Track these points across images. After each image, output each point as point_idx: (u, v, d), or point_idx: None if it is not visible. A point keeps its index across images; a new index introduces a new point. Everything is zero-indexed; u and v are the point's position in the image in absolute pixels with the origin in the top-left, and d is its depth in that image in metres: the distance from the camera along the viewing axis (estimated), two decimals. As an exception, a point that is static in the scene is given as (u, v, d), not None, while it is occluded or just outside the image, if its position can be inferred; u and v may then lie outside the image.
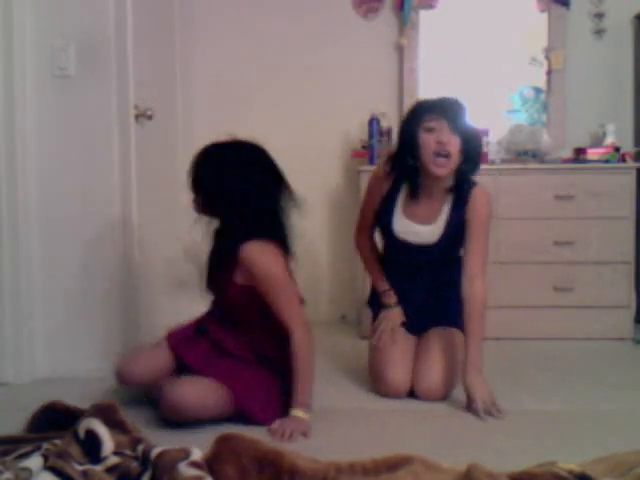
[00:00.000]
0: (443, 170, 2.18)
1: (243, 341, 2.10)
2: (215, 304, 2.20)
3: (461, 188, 2.25)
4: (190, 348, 2.13)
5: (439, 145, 2.14)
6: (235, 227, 2.00)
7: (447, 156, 2.15)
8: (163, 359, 2.12)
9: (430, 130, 2.16)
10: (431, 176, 2.21)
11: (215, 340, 2.13)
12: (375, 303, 2.54)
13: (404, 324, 2.44)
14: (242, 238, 1.97)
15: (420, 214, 2.30)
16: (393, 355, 2.33)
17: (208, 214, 2.05)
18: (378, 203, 2.35)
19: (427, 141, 2.16)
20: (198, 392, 1.98)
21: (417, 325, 2.44)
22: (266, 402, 2.04)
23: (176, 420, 1.98)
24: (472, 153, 2.21)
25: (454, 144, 2.15)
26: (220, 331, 2.13)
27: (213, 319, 2.18)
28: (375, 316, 2.52)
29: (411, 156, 2.21)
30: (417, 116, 2.21)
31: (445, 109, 2.17)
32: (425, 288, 2.41)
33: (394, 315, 2.42)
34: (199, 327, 2.19)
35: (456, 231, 2.28)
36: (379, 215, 2.36)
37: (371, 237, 2.51)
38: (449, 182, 2.25)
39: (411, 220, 2.31)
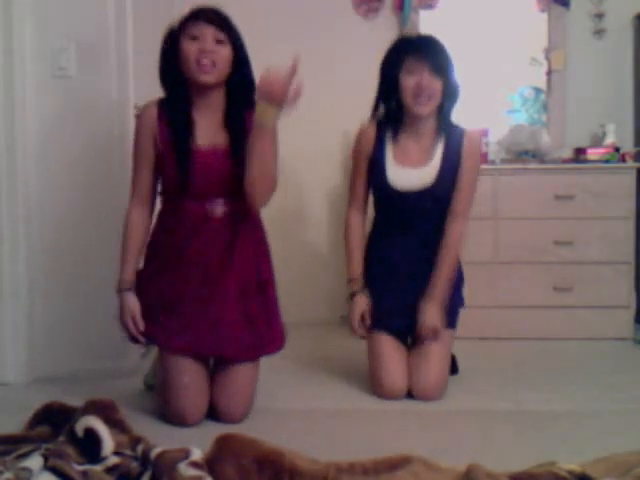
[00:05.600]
0: (425, 108, 2.24)
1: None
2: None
3: (448, 127, 2.31)
4: (180, 331, 2.04)
5: (420, 88, 2.20)
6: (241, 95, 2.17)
7: (429, 97, 2.22)
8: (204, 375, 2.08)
9: (411, 72, 2.22)
10: (414, 115, 2.27)
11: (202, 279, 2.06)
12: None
13: (392, 323, 2.39)
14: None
15: (412, 157, 2.32)
16: (387, 360, 2.35)
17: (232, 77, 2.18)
18: (366, 166, 2.38)
19: (408, 83, 2.22)
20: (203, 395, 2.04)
21: (406, 317, 2.36)
22: (248, 342, 2.09)
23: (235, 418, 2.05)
24: (452, 89, 2.27)
25: (435, 86, 2.21)
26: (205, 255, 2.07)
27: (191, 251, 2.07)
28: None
29: (393, 97, 2.28)
30: (398, 58, 2.26)
31: (427, 51, 2.22)
32: (416, 258, 2.35)
33: (360, 301, 2.38)
34: (155, 302, 2.08)
35: (451, 175, 2.30)
36: (372, 172, 2.36)
37: (363, 212, 2.46)
38: (433, 121, 2.31)
39: (403, 165, 2.32)
